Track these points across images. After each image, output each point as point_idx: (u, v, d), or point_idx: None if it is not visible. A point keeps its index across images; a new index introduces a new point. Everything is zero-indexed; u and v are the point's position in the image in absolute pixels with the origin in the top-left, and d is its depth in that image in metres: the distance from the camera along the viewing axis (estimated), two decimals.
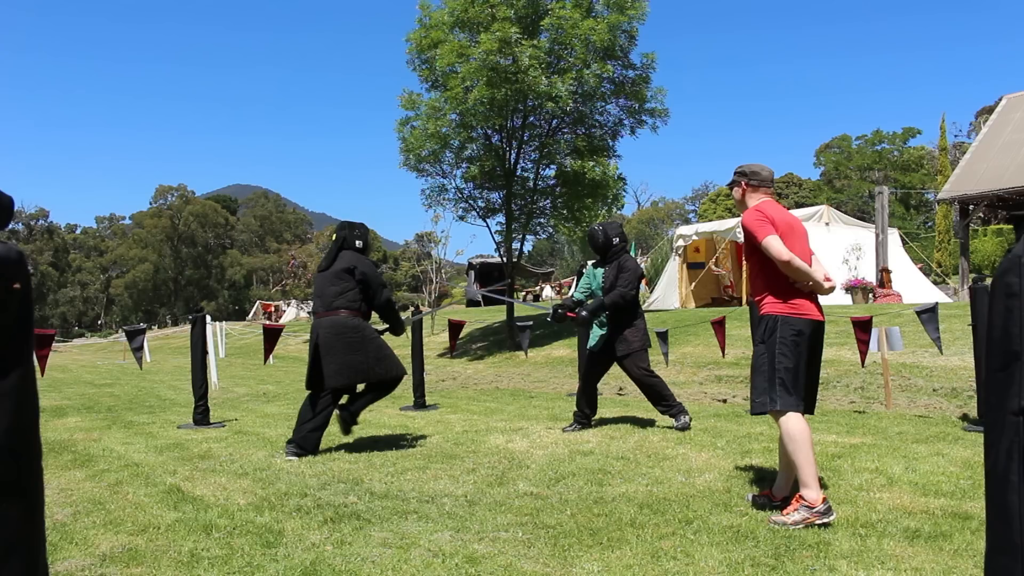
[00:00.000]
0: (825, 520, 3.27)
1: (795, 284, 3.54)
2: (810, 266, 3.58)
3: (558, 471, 4.52)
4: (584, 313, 5.85)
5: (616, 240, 5.97)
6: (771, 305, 3.56)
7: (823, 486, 3.74)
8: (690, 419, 5.87)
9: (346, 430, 5.42)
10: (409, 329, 8.67)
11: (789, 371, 3.46)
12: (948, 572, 2.73)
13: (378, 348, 5.31)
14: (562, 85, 12.36)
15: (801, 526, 3.25)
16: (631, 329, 5.90)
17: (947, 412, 6.43)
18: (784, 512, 3.37)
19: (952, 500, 3.63)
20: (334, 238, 5.56)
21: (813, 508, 3.29)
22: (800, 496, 3.36)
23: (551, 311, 6.19)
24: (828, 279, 3.60)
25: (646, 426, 6.04)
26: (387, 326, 5.63)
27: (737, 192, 3.81)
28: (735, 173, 3.81)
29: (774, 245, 3.47)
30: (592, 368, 6.09)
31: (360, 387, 5.48)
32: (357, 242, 5.44)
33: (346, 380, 5.22)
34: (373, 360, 5.25)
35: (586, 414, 6.02)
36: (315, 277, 5.55)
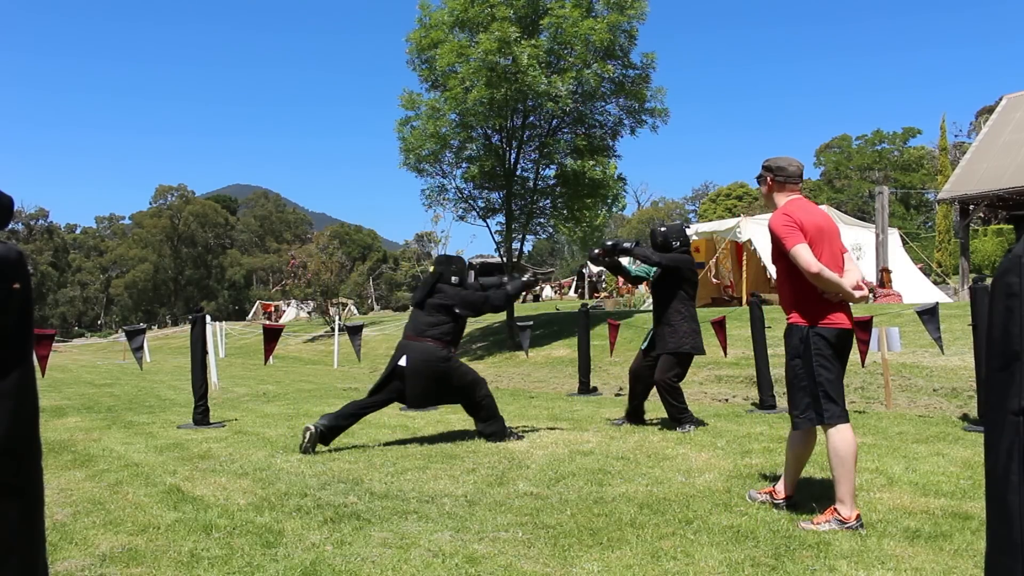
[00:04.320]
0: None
1: (824, 294, 3.40)
2: (842, 268, 3.46)
3: (558, 471, 4.51)
4: (631, 244, 5.83)
5: (676, 243, 5.91)
6: (801, 316, 3.44)
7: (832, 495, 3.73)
8: (692, 428, 5.76)
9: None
10: None
11: (832, 383, 3.36)
12: (948, 572, 2.73)
13: (460, 375, 5.60)
14: (562, 85, 12.37)
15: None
16: (670, 329, 5.80)
17: (947, 412, 6.43)
18: (815, 521, 3.31)
19: (952, 500, 3.62)
20: (431, 270, 5.84)
21: (845, 524, 3.23)
22: (835, 509, 3.29)
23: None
24: (860, 287, 3.45)
25: (646, 426, 6.04)
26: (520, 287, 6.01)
27: (764, 188, 3.69)
28: (762, 167, 3.67)
29: (803, 255, 3.34)
30: (641, 367, 6.09)
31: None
32: (453, 278, 5.65)
33: (429, 405, 5.90)
34: (456, 388, 5.58)
35: (636, 411, 6.14)
36: (411, 312, 5.88)
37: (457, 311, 5.55)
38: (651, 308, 6.13)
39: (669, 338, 5.77)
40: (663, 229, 6.04)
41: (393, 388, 5.55)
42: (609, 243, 5.99)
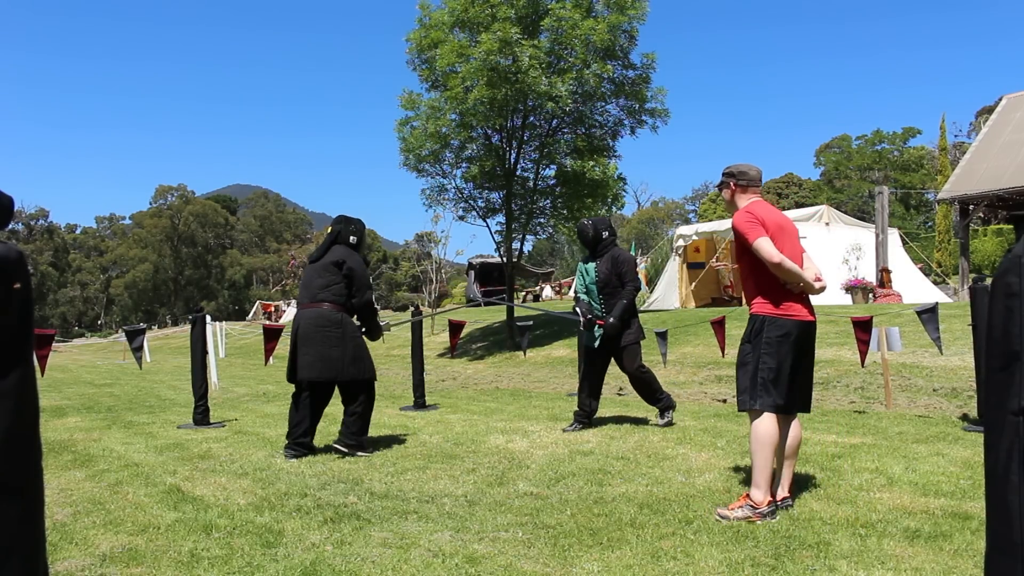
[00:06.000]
0: (768, 520, 3.36)
1: (786, 285, 3.56)
2: (801, 265, 3.60)
3: (558, 471, 4.52)
4: (612, 320, 5.87)
5: (606, 234, 6.06)
6: (760, 305, 3.60)
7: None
8: (672, 414, 6.06)
9: (351, 453, 5.28)
10: (410, 329, 8.67)
11: (772, 371, 3.50)
12: (948, 572, 2.73)
13: (356, 348, 5.25)
14: (562, 85, 12.36)
15: (742, 522, 3.35)
16: (627, 323, 5.95)
17: (947, 412, 6.43)
18: (730, 507, 3.47)
19: (952, 500, 3.63)
20: (329, 231, 5.56)
21: (757, 509, 3.39)
22: (748, 495, 3.46)
23: (583, 322, 6.09)
24: (819, 279, 3.63)
25: (646, 426, 6.04)
26: (364, 328, 5.54)
27: (727, 193, 3.83)
28: (723, 174, 3.83)
29: (764, 247, 3.49)
30: (591, 365, 6.10)
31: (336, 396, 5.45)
32: (351, 238, 5.44)
33: (318, 374, 5.15)
34: (349, 359, 5.19)
35: (587, 413, 6.03)
36: (305, 268, 5.56)
37: (344, 269, 5.22)
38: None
39: (627, 331, 5.96)
40: (590, 223, 6.10)
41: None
42: (587, 320, 6.04)
